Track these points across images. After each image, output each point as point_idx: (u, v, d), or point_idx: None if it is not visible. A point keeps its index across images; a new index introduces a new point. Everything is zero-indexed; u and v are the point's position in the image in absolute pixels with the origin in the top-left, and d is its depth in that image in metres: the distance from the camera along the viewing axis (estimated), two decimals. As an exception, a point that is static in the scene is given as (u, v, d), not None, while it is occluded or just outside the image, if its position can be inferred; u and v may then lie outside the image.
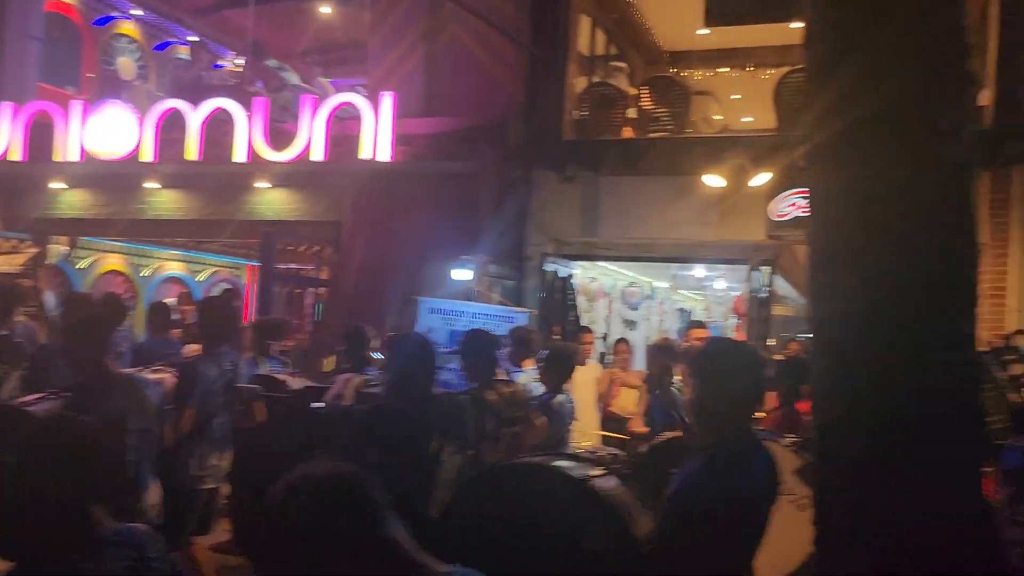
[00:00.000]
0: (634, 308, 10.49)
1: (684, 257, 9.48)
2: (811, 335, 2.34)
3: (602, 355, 9.32)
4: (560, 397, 4.87)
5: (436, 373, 3.84)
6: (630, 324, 10.54)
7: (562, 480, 3.03)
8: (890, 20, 2.12)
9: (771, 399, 5.56)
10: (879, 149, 2.17)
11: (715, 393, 2.41)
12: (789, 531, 2.71)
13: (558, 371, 4.98)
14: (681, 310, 12.12)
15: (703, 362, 2.52)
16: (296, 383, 5.40)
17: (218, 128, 9.49)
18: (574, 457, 3.46)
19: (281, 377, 5.44)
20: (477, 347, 4.48)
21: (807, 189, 2.39)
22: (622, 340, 8.42)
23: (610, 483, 3.02)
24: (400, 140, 9.04)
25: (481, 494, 3.10)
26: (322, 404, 4.63)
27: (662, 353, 5.86)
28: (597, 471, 3.07)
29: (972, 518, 2.28)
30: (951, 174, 2.16)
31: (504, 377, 4.76)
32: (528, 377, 5.41)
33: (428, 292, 7.98)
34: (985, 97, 8.19)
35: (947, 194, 2.16)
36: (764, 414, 5.36)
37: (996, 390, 2.97)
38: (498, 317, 7.75)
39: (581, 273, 10.11)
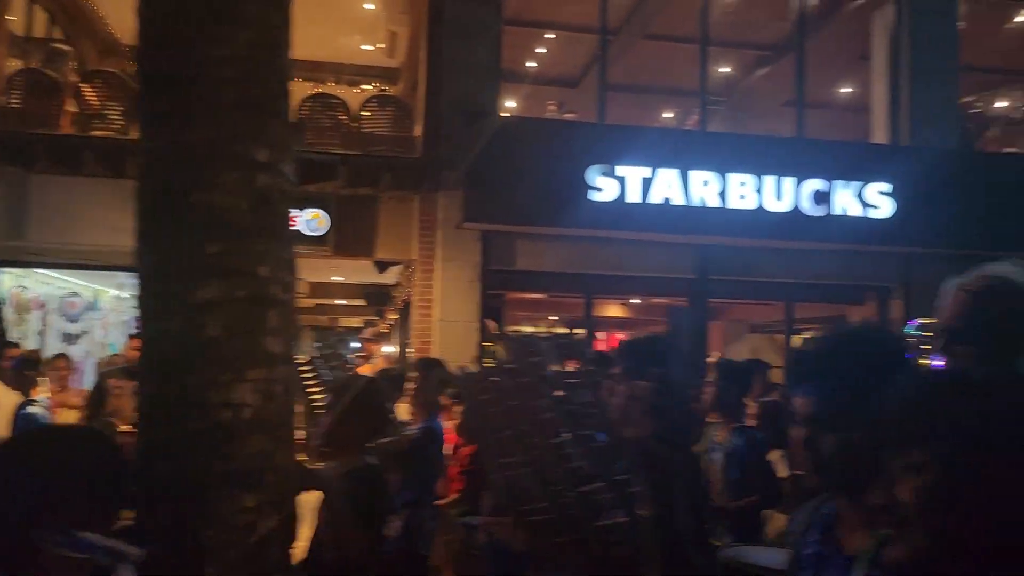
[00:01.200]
0: (74, 320, 9.56)
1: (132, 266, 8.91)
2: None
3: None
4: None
5: None
6: (71, 337, 9.59)
7: None
8: (205, 49, 2.20)
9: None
10: (200, 178, 2.23)
11: None
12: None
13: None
14: (134, 319, 11.37)
15: None
16: None
17: None
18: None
19: None
20: None
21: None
22: (61, 356, 7.64)
23: None
24: None
25: None
26: None
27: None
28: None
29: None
30: (267, 202, 2.30)
31: None
32: None
33: None
34: (418, 130, 9.21)
35: (263, 220, 2.29)
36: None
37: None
38: None
39: (10, 281, 8.92)
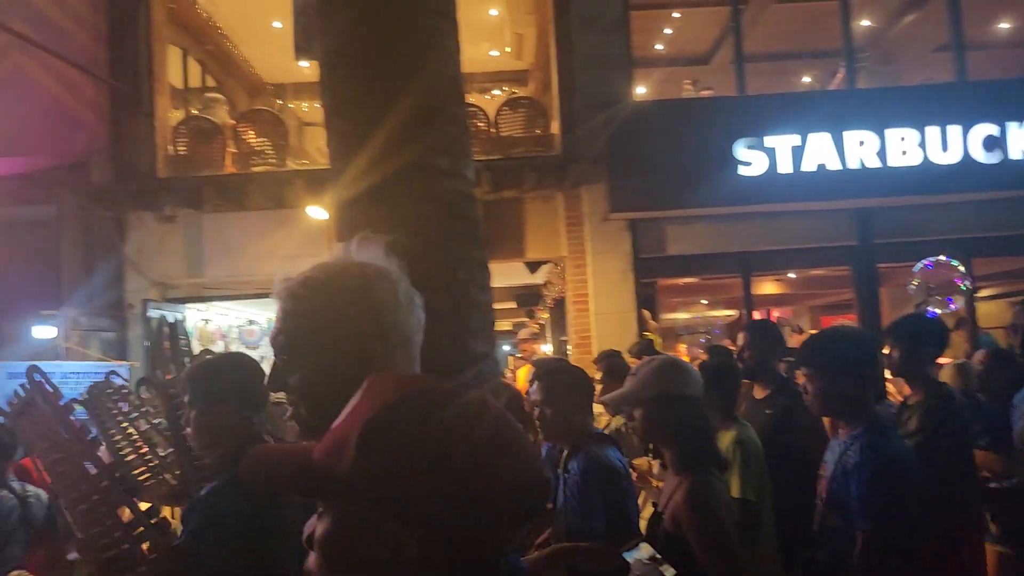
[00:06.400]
0: (254, 347, 10.16)
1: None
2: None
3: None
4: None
5: None
6: (252, 364, 10.19)
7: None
8: (383, 69, 2.26)
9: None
10: (392, 189, 2.30)
11: None
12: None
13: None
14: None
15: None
16: None
17: None
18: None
19: None
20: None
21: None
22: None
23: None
24: (-42, 185, 7.88)
25: None
26: None
27: None
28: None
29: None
30: (456, 207, 2.35)
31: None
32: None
33: (4, 355, 7.01)
34: (554, 127, 9.23)
35: (454, 226, 2.34)
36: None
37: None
38: (94, 374, 7.04)
39: (194, 316, 9.58)
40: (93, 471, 2.52)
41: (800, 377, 3.05)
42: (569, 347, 9.40)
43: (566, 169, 8.70)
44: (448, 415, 0.94)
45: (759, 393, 4.16)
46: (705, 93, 10.47)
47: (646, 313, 9.08)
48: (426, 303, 2.31)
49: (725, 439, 3.43)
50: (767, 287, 12.25)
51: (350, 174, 2.32)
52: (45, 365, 7.04)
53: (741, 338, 4.29)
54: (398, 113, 2.30)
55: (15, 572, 3.86)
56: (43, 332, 7.30)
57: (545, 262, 9.93)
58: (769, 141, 8.31)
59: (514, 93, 12.10)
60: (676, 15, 11.10)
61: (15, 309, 7.42)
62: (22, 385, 3.00)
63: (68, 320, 7.50)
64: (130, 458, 3.52)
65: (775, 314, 13.86)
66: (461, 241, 2.35)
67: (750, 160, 8.30)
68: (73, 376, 6.97)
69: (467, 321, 2.32)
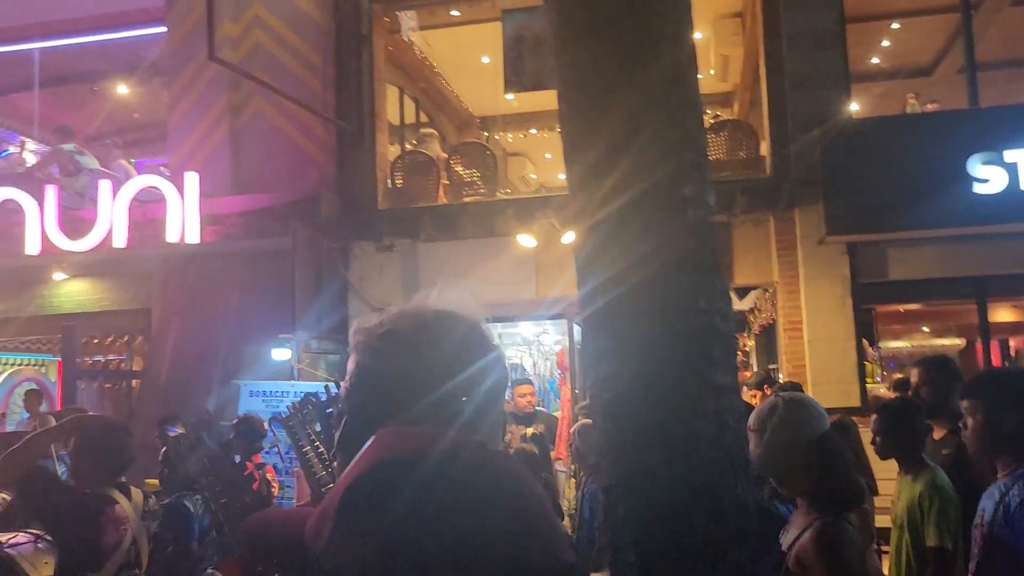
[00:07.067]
0: (465, 371, 10.50)
1: (505, 316, 9.64)
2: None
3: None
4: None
5: None
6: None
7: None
8: (626, 100, 2.28)
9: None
10: (629, 219, 2.30)
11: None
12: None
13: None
14: (512, 367, 12.27)
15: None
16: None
17: (7, 219, 8.86)
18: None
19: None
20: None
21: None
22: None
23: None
24: (209, 220, 8.76)
25: None
26: None
27: None
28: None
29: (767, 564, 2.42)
30: (698, 235, 2.32)
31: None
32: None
33: (247, 375, 7.69)
34: (764, 148, 8.96)
35: (696, 254, 2.31)
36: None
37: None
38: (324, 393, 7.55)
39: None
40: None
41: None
42: (780, 375, 9.02)
43: (778, 191, 8.41)
44: (428, 481, 0.83)
45: (937, 433, 3.93)
46: (931, 107, 9.79)
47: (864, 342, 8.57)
48: (667, 332, 2.30)
49: (918, 485, 3.28)
50: (1004, 314, 11.18)
51: (591, 203, 2.35)
52: (280, 385, 7.66)
53: (915, 374, 4.04)
54: (641, 143, 2.31)
55: (209, 572, 4.19)
56: (280, 354, 7.93)
57: (754, 287, 9.61)
58: (1011, 155, 7.62)
59: (717, 115, 11.88)
60: (895, 26, 10.48)
61: (256, 333, 8.12)
62: (292, 404, 3.29)
63: (300, 343, 8.11)
64: (320, 474, 3.78)
65: (1012, 344, 12.62)
66: (703, 269, 2.31)
67: (987, 176, 7.64)
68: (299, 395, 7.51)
69: (709, 351, 2.28)
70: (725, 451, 2.22)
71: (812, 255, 8.54)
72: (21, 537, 3.27)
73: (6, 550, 3.20)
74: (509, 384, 9.83)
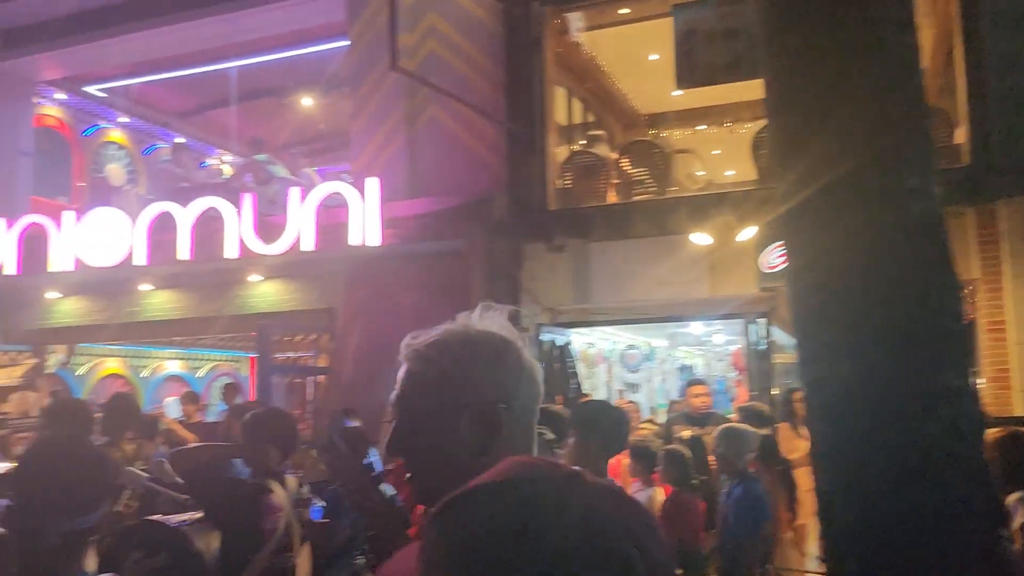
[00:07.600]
0: (634, 371, 10.44)
1: (678, 316, 9.47)
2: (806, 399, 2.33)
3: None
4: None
5: None
6: (631, 387, 10.48)
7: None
8: (852, 91, 2.16)
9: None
10: (852, 213, 2.19)
11: None
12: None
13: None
14: (682, 367, 12.08)
15: None
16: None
17: (208, 226, 9.59)
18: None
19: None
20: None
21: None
22: (629, 403, 8.42)
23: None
24: (388, 223, 9.12)
25: None
26: None
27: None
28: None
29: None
30: (925, 229, 2.18)
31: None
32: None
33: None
34: (960, 136, 8.33)
35: (923, 249, 2.17)
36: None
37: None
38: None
39: (578, 340, 10.10)
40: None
41: None
42: (981, 380, 8.36)
43: (979, 182, 7.79)
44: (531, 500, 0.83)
45: None
46: None
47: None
48: (893, 332, 2.16)
49: None
50: None
51: (809, 205, 2.24)
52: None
53: None
54: (862, 134, 2.18)
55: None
56: (457, 352, 8.14)
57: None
58: None
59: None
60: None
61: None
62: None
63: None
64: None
65: None
66: (932, 266, 2.16)
67: None
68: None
69: (939, 352, 2.13)
70: (959, 460, 2.06)
71: (1019, 251, 7.87)
72: (188, 518, 3.59)
73: (181, 526, 3.52)
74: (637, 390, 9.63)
